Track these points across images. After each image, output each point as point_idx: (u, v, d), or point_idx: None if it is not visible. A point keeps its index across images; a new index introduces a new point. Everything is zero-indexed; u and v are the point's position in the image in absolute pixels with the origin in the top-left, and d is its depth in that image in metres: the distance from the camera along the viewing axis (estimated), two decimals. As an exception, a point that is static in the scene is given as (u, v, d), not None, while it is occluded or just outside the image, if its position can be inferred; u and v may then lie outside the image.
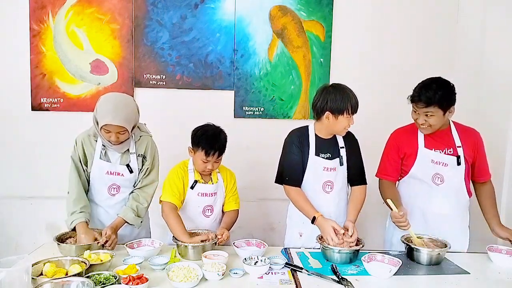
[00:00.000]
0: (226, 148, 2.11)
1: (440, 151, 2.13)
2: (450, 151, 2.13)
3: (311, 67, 3.24)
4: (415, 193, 2.20)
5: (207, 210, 2.17)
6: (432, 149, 2.14)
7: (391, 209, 2.02)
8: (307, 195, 2.10)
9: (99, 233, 1.99)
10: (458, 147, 2.13)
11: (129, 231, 2.17)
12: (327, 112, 2.03)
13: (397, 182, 2.30)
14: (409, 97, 2.10)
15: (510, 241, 2.07)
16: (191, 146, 2.12)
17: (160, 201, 2.13)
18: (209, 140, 2.04)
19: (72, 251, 1.84)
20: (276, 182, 2.22)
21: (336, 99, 2.01)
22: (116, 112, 1.93)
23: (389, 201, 2.04)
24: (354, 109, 2.03)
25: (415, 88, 2.07)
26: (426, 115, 2.03)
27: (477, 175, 2.21)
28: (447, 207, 2.14)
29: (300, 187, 2.13)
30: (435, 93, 1.97)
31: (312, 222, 2.01)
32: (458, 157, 2.11)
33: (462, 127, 2.20)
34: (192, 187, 2.13)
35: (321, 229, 1.98)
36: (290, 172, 2.13)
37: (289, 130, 2.23)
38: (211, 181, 2.18)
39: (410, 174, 2.19)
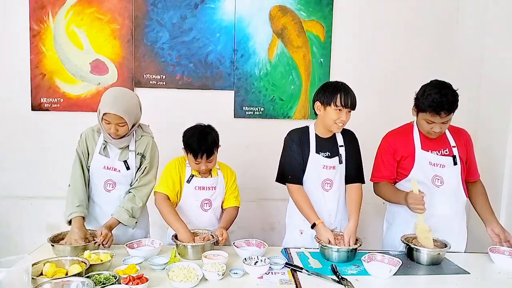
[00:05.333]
0: (217, 147, 2.11)
1: (437, 152, 2.12)
2: (446, 152, 2.13)
3: (311, 67, 3.23)
4: None
5: (205, 204, 2.18)
6: (429, 151, 2.12)
7: (412, 190, 1.96)
8: (307, 193, 2.11)
9: (92, 234, 1.99)
10: (453, 147, 2.13)
11: (123, 230, 2.16)
12: (317, 101, 2.07)
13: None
14: (415, 109, 2.06)
15: (500, 240, 2.05)
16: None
17: (155, 192, 2.15)
18: (196, 143, 2.04)
19: (67, 252, 1.83)
20: (277, 181, 2.21)
21: (327, 89, 2.04)
22: (115, 102, 1.97)
23: (414, 180, 1.98)
24: (345, 102, 1.98)
25: (427, 99, 1.94)
26: (443, 122, 1.98)
27: (468, 174, 2.21)
28: (448, 208, 2.12)
29: (302, 185, 2.13)
30: (454, 98, 1.93)
31: (312, 227, 2.03)
32: (454, 157, 2.11)
33: (453, 128, 2.19)
34: (188, 181, 2.15)
35: (318, 234, 1.99)
36: (292, 170, 2.13)
37: (289, 130, 2.23)
38: (211, 175, 2.21)
39: (410, 177, 2.14)
